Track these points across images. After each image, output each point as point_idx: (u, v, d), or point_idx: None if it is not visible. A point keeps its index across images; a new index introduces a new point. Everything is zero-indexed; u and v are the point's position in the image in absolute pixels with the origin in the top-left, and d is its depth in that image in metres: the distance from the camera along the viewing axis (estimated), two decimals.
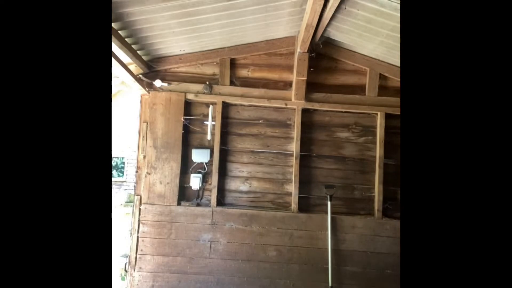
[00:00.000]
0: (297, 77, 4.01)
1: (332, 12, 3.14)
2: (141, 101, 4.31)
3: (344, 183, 4.31)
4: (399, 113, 4.02)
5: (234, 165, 4.33)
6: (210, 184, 4.24)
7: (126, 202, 12.89)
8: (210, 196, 4.22)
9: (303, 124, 4.29)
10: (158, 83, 4.17)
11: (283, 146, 4.34)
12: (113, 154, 13.30)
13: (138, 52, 3.85)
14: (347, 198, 4.31)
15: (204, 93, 4.26)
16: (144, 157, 4.20)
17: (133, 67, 4.02)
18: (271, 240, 4.13)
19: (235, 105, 4.35)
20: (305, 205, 4.25)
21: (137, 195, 4.20)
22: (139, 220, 4.12)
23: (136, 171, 4.27)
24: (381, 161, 4.24)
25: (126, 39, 3.47)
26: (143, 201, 4.15)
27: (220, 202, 4.26)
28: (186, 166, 4.25)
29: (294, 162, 4.24)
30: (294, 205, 4.19)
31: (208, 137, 4.20)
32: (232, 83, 4.35)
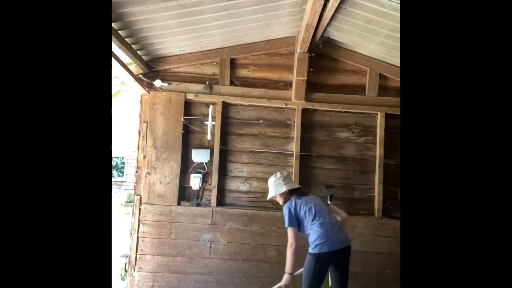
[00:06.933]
0: (297, 77, 4.01)
1: (332, 12, 3.14)
2: (141, 101, 4.31)
3: (344, 183, 4.31)
4: (399, 113, 4.01)
5: (234, 165, 4.33)
6: (210, 184, 4.24)
7: (126, 202, 12.89)
8: (210, 196, 4.21)
9: (303, 124, 4.29)
10: (158, 83, 4.17)
11: (283, 146, 4.33)
12: (113, 154, 13.30)
13: (138, 52, 3.85)
14: (347, 198, 4.30)
15: (204, 93, 4.26)
16: (144, 157, 4.20)
17: (133, 67, 4.01)
18: (271, 240, 4.13)
19: (235, 105, 4.34)
20: None
21: (137, 195, 4.20)
22: (139, 220, 4.12)
23: (136, 171, 4.26)
24: (381, 161, 4.24)
25: (126, 39, 3.47)
26: (143, 201, 4.15)
27: (220, 202, 4.26)
28: (186, 166, 4.25)
29: (294, 162, 4.24)
30: None
31: (208, 137, 4.20)
32: (232, 83, 4.34)
